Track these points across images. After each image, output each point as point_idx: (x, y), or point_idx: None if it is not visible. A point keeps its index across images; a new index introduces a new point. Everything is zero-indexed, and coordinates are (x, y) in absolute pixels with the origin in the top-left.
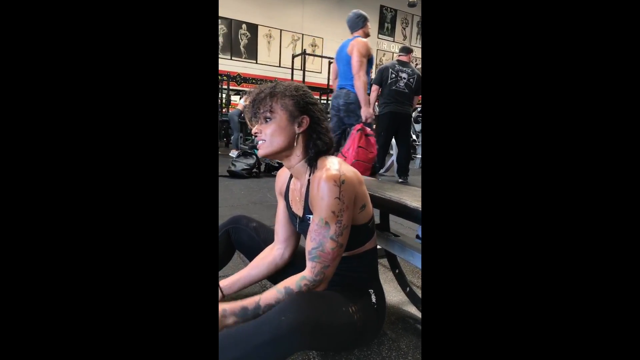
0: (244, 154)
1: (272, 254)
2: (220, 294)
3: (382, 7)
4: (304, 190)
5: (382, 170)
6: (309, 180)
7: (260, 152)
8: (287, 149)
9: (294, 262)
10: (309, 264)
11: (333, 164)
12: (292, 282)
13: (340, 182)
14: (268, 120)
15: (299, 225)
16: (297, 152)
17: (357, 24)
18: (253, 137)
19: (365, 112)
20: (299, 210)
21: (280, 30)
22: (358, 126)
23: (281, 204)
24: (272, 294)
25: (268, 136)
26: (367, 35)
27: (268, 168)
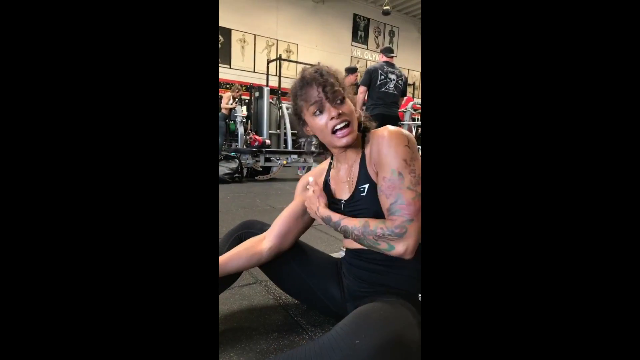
0: (225, 158)
1: (260, 247)
2: None
3: (355, 15)
4: (356, 165)
5: None
6: (363, 152)
7: (349, 138)
8: None
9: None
10: (389, 217)
11: (387, 125)
12: (373, 221)
13: (405, 134)
14: (343, 100)
15: (345, 206)
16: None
17: None
18: (335, 123)
19: None
20: (344, 192)
21: (255, 35)
22: None
23: (297, 201)
24: (353, 220)
25: (352, 116)
26: None
27: (251, 173)
